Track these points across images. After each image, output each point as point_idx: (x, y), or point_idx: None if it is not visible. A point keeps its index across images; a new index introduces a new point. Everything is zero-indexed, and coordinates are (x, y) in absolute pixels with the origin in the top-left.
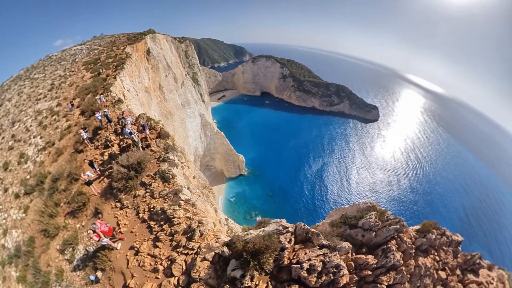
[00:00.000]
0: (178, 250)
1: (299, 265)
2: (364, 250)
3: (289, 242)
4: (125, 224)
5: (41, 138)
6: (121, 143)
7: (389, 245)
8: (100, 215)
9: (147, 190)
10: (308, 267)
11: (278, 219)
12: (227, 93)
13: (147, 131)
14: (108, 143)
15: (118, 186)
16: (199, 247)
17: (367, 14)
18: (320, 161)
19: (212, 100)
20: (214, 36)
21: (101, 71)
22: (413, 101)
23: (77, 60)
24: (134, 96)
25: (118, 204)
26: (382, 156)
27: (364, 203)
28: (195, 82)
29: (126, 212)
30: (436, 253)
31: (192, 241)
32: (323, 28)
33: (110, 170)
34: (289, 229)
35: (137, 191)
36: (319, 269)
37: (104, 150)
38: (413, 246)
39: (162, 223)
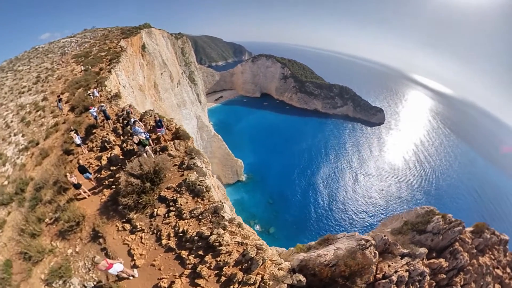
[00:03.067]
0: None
1: (387, 279)
2: (434, 254)
3: (375, 256)
4: (141, 255)
5: (23, 136)
6: (124, 145)
7: (455, 247)
8: (101, 240)
9: (171, 208)
10: (396, 279)
11: (346, 233)
12: (225, 93)
13: (164, 130)
14: (106, 144)
15: (128, 202)
16: (262, 281)
17: (371, 12)
18: (322, 166)
19: (209, 101)
20: (212, 34)
21: (89, 68)
22: (420, 103)
23: (66, 52)
24: (130, 93)
25: (128, 226)
26: (389, 161)
27: (422, 208)
28: (191, 82)
29: (141, 238)
30: (490, 252)
31: (252, 273)
32: (326, 27)
33: (111, 179)
34: (372, 241)
35: (155, 209)
36: (406, 279)
37: (101, 154)
38: (473, 246)
39: (200, 252)
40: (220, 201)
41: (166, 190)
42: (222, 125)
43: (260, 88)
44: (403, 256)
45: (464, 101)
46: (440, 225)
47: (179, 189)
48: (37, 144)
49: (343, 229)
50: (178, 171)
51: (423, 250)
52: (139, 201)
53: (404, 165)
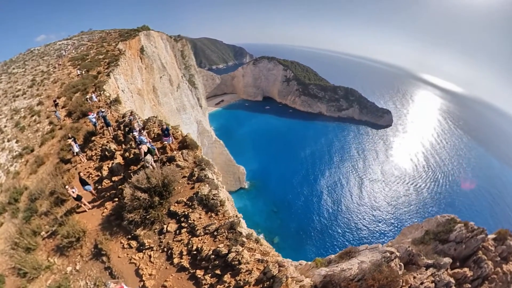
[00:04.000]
0: None
1: None
2: (457, 263)
3: (400, 268)
4: (150, 275)
5: (17, 142)
6: (127, 154)
7: (479, 255)
8: (104, 258)
9: (183, 223)
10: None
11: (368, 245)
12: (226, 97)
13: (171, 138)
14: (106, 153)
15: (134, 218)
16: None
17: (376, 10)
18: (328, 172)
19: (210, 105)
20: (212, 36)
21: (80, 73)
22: (429, 103)
23: (62, 55)
24: (129, 98)
25: (134, 243)
26: (397, 165)
27: (442, 217)
28: (191, 85)
29: (150, 256)
30: None
31: None
32: (330, 28)
33: (113, 191)
34: (396, 253)
35: (164, 226)
36: None
37: (102, 163)
38: (497, 254)
39: (218, 271)
40: (236, 215)
41: (176, 204)
42: (224, 130)
43: (262, 92)
44: (427, 267)
45: (477, 99)
46: (463, 234)
47: (190, 204)
48: (32, 151)
49: (350, 237)
50: (188, 184)
51: (448, 260)
52: (147, 216)
53: (413, 169)
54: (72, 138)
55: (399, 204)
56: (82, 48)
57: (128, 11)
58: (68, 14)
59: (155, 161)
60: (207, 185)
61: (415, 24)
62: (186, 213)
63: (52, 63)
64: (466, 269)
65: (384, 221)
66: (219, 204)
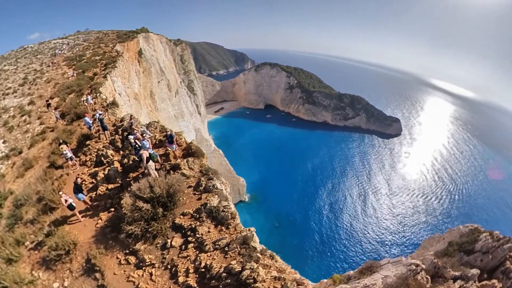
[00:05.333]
0: None
1: None
2: (485, 275)
3: (427, 281)
4: None
5: (4, 142)
6: (125, 160)
7: (507, 266)
8: (98, 275)
9: (189, 238)
10: None
11: (390, 259)
12: (226, 105)
13: (175, 146)
14: (102, 159)
15: (134, 231)
16: None
17: (381, 15)
18: (333, 185)
19: (209, 112)
20: (212, 40)
21: (71, 75)
22: (440, 110)
23: (57, 54)
24: (126, 102)
25: (133, 259)
26: (408, 177)
27: (465, 227)
28: (190, 91)
29: (151, 274)
30: None
31: None
32: (334, 33)
33: (109, 200)
34: (422, 266)
35: (168, 240)
36: None
37: (97, 169)
38: None
39: None
40: (249, 229)
41: (181, 216)
42: (223, 139)
43: (264, 99)
44: (455, 279)
45: (489, 104)
46: (488, 243)
47: (198, 216)
48: (20, 152)
49: (360, 253)
50: (194, 194)
51: (475, 271)
52: (149, 229)
53: (425, 180)
54: (64, 143)
55: (408, 217)
56: (78, 48)
57: (127, 12)
58: (64, 12)
59: (157, 169)
60: (216, 196)
61: (420, 26)
62: (193, 226)
63: (46, 61)
64: (494, 280)
65: (393, 235)
66: (230, 217)
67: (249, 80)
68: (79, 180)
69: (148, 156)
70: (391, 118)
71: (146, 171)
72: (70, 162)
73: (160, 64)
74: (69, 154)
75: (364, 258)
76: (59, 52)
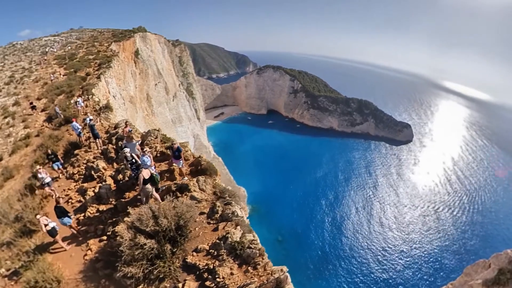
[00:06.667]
0: None
1: None
2: None
3: None
4: None
5: None
6: (119, 176)
7: None
8: None
9: (207, 282)
10: None
11: None
12: (227, 110)
13: (182, 161)
14: (92, 172)
15: (136, 273)
16: None
17: (390, 15)
18: (340, 195)
19: (208, 117)
20: (212, 42)
21: (53, 77)
22: (454, 114)
23: (48, 52)
24: (121, 105)
25: None
26: (422, 187)
27: None
28: (189, 95)
29: None
30: None
31: None
32: (339, 34)
33: (100, 226)
34: None
35: (179, 284)
36: None
37: (86, 184)
38: None
39: None
40: (281, 269)
41: (194, 254)
42: (223, 146)
43: (267, 104)
44: None
45: (507, 106)
46: None
47: (216, 253)
48: (0, 160)
49: (369, 271)
50: (209, 224)
51: None
52: (151, 270)
53: (442, 190)
54: (52, 156)
55: (425, 230)
56: (70, 46)
57: (123, 10)
58: (56, 9)
59: (158, 190)
60: (238, 226)
61: (431, 25)
62: (212, 266)
63: (35, 60)
64: None
65: (409, 251)
66: (258, 254)
67: (251, 83)
68: (61, 200)
69: (147, 177)
70: (402, 123)
71: (140, 196)
72: (46, 189)
73: (158, 66)
74: (47, 179)
75: (373, 278)
76: (53, 49)
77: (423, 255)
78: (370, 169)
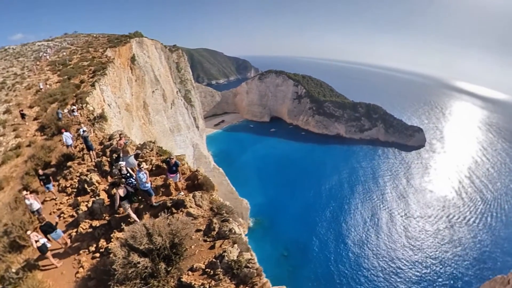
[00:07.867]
0: None
1: None
2: None
3: None
4: None
5: None
6: (114, 190)
7: None
8: None
9: None
10: None
11: None
12: (227, 117)
13: (179, 175)
14: (85, 186)
15: None
16: None
17: (400, 15)
18: (349, 207)
19: (208, 126)
20: (211, 47)
21: (41, 86)
22: (469, 115)
23: (41, 57)
24: (116, 114)
25: None
26: (435, 195)
27: None
28: (188, 103)
29: None
30: None
31: None
32: (345, 36)
33: (93, 242)
34: None
35: None
36: None
37: (79, 199)
38: None
39: None
40: None
41: (189, 273)
42: (224, 156)
43: (269, 111)
44: None
45: None
46: None
47: (212, 272)
48: None
49: None
50: (205, 241)
51: None
52: None
53: (457, 198)
54: (44, 177)
55: (439, 243)
56: (64, 52)
57: (119, 15)
58: (50, 12)
59: (152, 206)
60: (235, 244)
61: (439, 26)
62: (208, 286)
63: (28, 65)
64: None
65: (423, 265)
66: (255, 274)
67: (253, 89)
68: (45, 218)
69: (123, 195)
70: (413, 127)
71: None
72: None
73: (155, 72)
74: (35, 205)
75: None
76: (46, 55)
77: (438, 270)
78: (378, 178)
